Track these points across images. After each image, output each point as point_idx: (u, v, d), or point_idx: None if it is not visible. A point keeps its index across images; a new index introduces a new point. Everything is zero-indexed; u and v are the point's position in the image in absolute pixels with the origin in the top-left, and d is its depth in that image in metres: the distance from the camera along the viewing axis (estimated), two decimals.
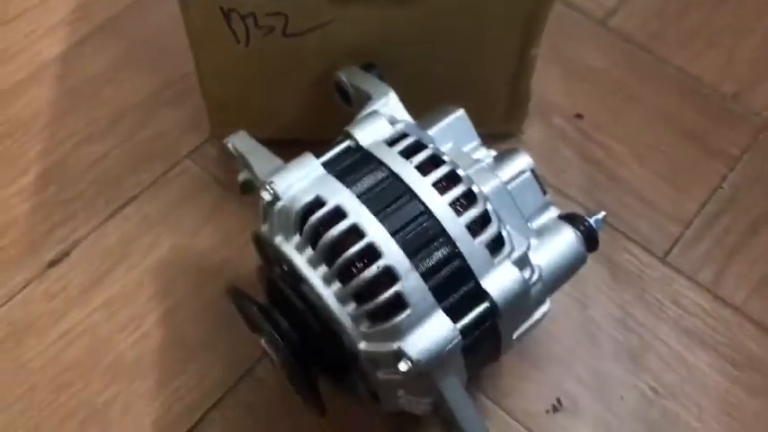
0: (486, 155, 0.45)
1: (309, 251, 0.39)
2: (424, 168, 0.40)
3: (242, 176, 0.47)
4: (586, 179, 0.60)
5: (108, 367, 0.52)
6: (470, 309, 0.39)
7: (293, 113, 0.57)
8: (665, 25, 0.68)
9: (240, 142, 0.47)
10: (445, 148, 0.44)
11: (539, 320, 0.45)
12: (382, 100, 0.46)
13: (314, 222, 0.39)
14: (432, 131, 0.44)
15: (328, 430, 0.49)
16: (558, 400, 0.51)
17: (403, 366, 0.37)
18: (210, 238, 0.58)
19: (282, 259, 0.41)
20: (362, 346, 0.39)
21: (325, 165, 0.42)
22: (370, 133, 0.42)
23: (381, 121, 0.43)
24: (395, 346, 0.37)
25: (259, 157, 0.45)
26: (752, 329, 0.54)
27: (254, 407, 0.51)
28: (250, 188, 0.47)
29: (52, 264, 0.56)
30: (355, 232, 0.38)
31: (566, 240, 0.44)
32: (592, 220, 0.45)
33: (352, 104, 0.49)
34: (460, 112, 0.46)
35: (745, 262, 0.57)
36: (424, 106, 0.47)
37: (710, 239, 0.58)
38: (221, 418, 0.50)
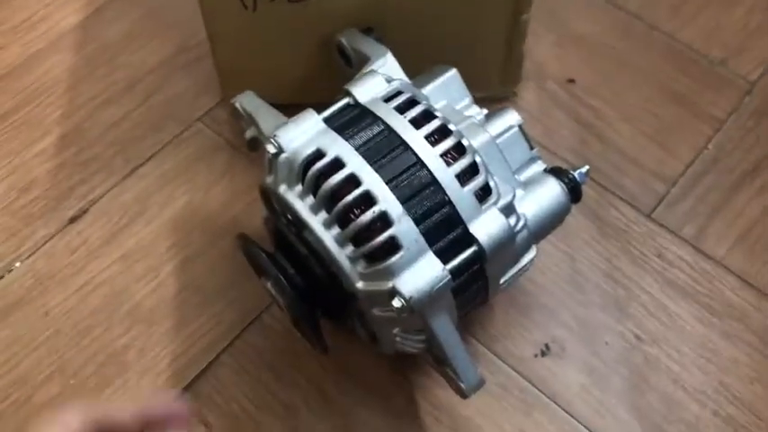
0: (478, 112, 0.48)
1: (311, 199, 0.42)
2: (418, 122, 0.43)
3: (249, 133, 0.50)
4: (577, 140, 0.63)
5: (126, 314, 0.56)
6: (459, 252, 0.42)
7: (299, 77, 0.60)
8: None
9: (247, 101, 0.50)
10: (439, 105, 0.46)
11: (525, 267, 0.48)
12: (380, 60, 0.48)
13: (314, 172, 0.42)
14: (426, 90, 0.47)
15: (329, 368, 0.53)
16: (546, 345, 0.55)
17: (397, 303, 0.40)
18: (223, 194, 0.61)
19: (286, 207, 0.44)
20: (360, 285, 0.42)
21: (325, 120, 0.44)
22: (367, 90, 0.45)
23: (378, 79, 0.46)
24: (389, 284, 0.40)
25: (265, 115, 0.48)
26: (731, 281, 0.57)
27: (262, 349, 0.55)
28: (257, 145, 0.50)
29: (73, 219, 0.60)
30: (353, 181, 0.41)
31: (551, 191, 0.47)
32: (576, 173, 0.48)
33: (353, 66, 0.52)
34: (453, 72, 0.48)
35: (726, 219, 0.60)
36: (421, 69, 0.50)
37: (694, 198, 0.61)
38: (232, 360, 0.54)
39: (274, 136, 0.44)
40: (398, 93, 0.45)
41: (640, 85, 0.66)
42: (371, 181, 0.41)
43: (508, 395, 0.53)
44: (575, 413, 0.52)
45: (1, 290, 0.57)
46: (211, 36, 0.59)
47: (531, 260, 0.48)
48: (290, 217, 0.45)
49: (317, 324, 0.47)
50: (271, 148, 0.44)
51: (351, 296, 0.43)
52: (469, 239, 0.42)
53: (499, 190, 0.43)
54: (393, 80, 0.47)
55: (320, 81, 0.55)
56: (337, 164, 0.42)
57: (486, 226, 0.42)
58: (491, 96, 0.59)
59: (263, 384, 0.53)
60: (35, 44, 0.69)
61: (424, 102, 0.45)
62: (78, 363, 0.54)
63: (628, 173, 0.62)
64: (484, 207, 0.42)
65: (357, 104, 0.45)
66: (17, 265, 0.58)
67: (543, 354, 0.54)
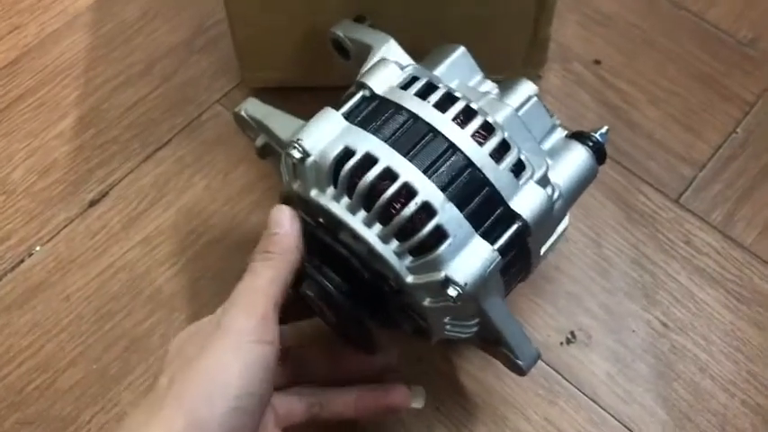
0: (492, 87, 0.47)
1: (346, 199, 0.41)
2: (442, 106, 0.42)
3: (260, 141, 0.48)
4: (603, 123, 0.61)
5: (147, 299, 0.56)
6: (504, 230, 0.41)
7: (319, 58, 0.58)
8: None
9: (253, 108, 0.48)
10: (453, 84, 0.45)
11: (560, 236, 0.47)
12: (383, 48, 0.47)
13: (347, 172, 0.40)
14: (437, 71, 0.46)
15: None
16: (572, 333, 0.54)
17: (452, 291, 0.39)
18: (243, 178, 0.60)
19: (320, 212, 0.42)
20: (410, 279, 0.40)
21: (345, 116, 0.43)
22: (383, 80, 0.44)
23: (392, 67, 0.44)
24: (441, 274, 0.39)
25: (277, 120, 0.46)
26: (760, 268, 0.56)
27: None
28: (269, 152, 0.48)
29: (93, 203, 0.60)
30: (389, 175, 0.40)
31: (578, 156, 0.46)
32: (597, 135, 0.47)
33: (351, 58, 0.50)
34: (461, 50, 0.47)
35: (755, 205, 0.59)
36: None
37: (722, 182, 0.60)
38: None
39: (298, 140, 0.42)
40: (414, 78, 0.44)
41: (667, 66, 0.65)
42: (408, 172, 0.40)
43: (533, 383, 0.52)
44: (600, 401, 0.52)
45: (22, 274, 0.57)
46: (231, 17, 0.58)
47: (566, 228, 0.47)
48: (321, 220, 0.43)
49: (366, 325, 0.45)
50: (296, 153, 0.41)
51: (397, 292, 0.42)
52: (513, 216, 0.41)
53: (532, 163, 0.42)
54: (404, 66, 0.45)
55: (340, 62, 0.54)
56: (370, 160, 0.40)
57: (526, 201, 0.41)
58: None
59: None
60: (51, 24, 0.68)
61: (442, 84, 0.44)
62: (101, 348, 0.54)
63: (655, 157, 0.61)
64: (521, 183, 0.42)
65: (374, 96, 0.43)
66: (38, 248, 0.58)
67: (569, 342, 0.54)
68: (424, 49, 0.48)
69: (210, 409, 0.37)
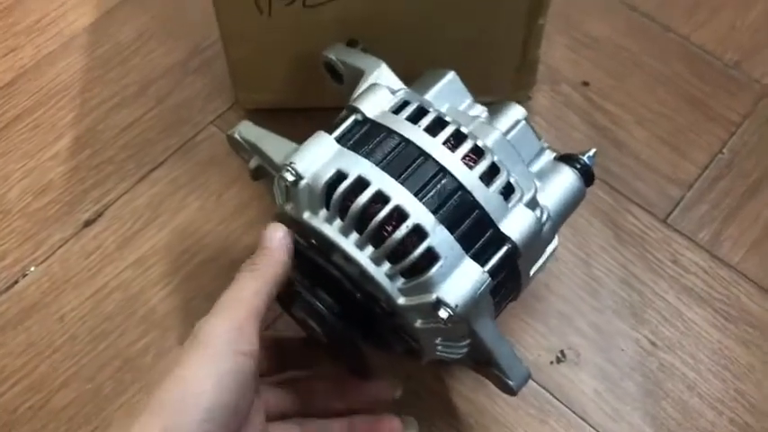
0: (482, 110, 0.48)
1: (338, 222, 0.41)
2: (432, 130, 0.43)
3: (253, 163, 0.49)
4: (592, 144, 0.62)
5: (141, 319, 0.56)
6: (494, 252, 0.42)
7: (313, 81, 0.59)
8: None
9: (247, 131, 0.48)
10: (443, 109, 0.46)
11: (549, 257, 0.48)
12: (375, 72, 0.48)
13: (340, 195, 0.41)
14: (428, 96, 0.47)
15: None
16: (562, 352, 0.55)
17: (443, 313, 0.39)
18: (237, 198, 0.61)
19: (312, 234, 0.43)
20: (401, 301, 0.41)
21: (338, 140, 0.43)
22: (374, 105, 0.44)
23: (383, 91, 0.45)
24: (433, 296, 0.40)
25: (270, 143, 0.47)
26: (746, 287, 0.57)
27: None
28: (262, 174, 0.49)
29: (88, 223, 0.60)
30: (381, 198, 0.41)
31: (566, 179, 0.47)
32: (585, 158, 0.48)
33: (343, 82, 0.51)
34: (451, 75, 0.48)
35: (741, 224, 0.60)
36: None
37: (709, 203, 0.61)
38: None
39: (291, 163, 0.42)
40: (406, 103, 0.45)
41: (654, 87, 0.66)
42: (399, 195, 0.40)
43: (524, 402, 0.53)
44: (590, 420, 0.52)
45: (17, 294, 0.57)
46: (226, 40, 0.59)
47: (555, 248, 0.48)
48: (314, 242, 0.44)
49: (358, 347, 0.46)
50: (289, 176, 0.42)
51: (388, 313, 0.43)
52: (502, 238, 0.42)
53: (521, 186, 0.43)
54: (395, 90, 0.46)
55: (332, 85, 0.55)
56: (362, 183, 0.41)
57: (516, 223, 0.42)
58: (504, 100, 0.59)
59: None
60: (47, 46, 0.69)
61: (433, 108, 0.45)
62: (94, 368, 0.54)
63: (643, 177, 0.62)
64: (510, 205, 0.42)
65: (366, 120, 0.44)
66: (32, 269, 0.58)
67: (559, 360, 0.54)
68: (415, 72, 0.49)
69: (184, 418, 0.37)
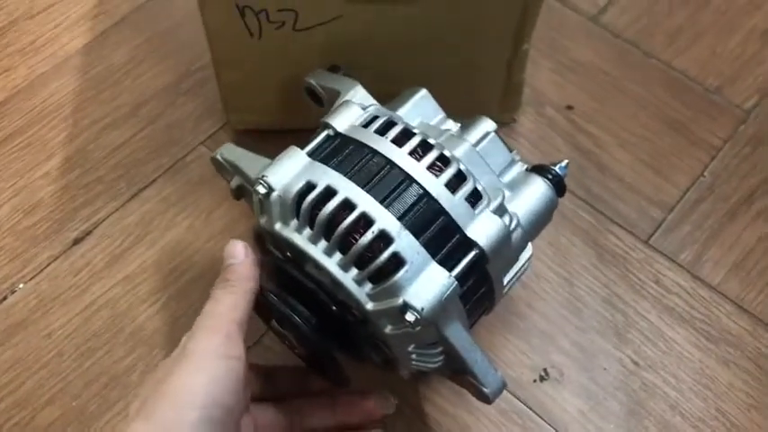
0: (453, 125, 0.49)
1: (308, 231, 0.43)
2: (399, 141, 0.44)
3: (234, 183, 0.50)
4: (575, 166, 0.64)
5: (129, 336, 0.57)
6: (461, 258, 0.42)
7: (303, 103, 0.60)
8: (653, 22, 0.72)
9: (228, 152, 0.50)
10: (415, 123, 0.47)
11: (525, 266, 0.49)
12: (350, 92, 0.49)
13: (308, 204, 0.42)
14: (400, 111, 0.48)
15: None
16: (545, 371, 0.55)
17: (410, 317, 0.40)
18: (226, 217, 0.62)
19: (285, 244, 0.44)
20: (370, 306, 0.42)
21: (309, 154, 0.45)
22: (345, 119, 0.46)
23: (354, 107, 0.47)
24: (399, 300, 0.41)
25: (248, 161, 0.49)
26: (727, 307, 0.58)
27: None
28: (242, 193, 0.50)
29: (77, 241, 0.61)
30: (347, 206, 0.42)
31: (537, 189, 0.47)
32: (557, 168, 0.48)
33: (324, 105, 0.53)
34: (423, 92, 0.49)
35: (722, 246, 0.61)
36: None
37: (691, 224, 0.62)
38: None
39: (263, 176, 0.44)
40: (375, 117, 0.46)
41: (637, 112, 0.67)
42: (366, 202, 0.42)
43: (507, 420, 0.53)
44: None
45: (4, 311, 0.58)
46: (217, 63, 0.60)
47: (529, 258, 0.49)
48: (289, 254, 0.45)
49: (336, 360, 0.46)
50: (261, 189, 0.44)
51: (362, 321, 0.43)
52: (469, 244, 0.43)
53: (488, 193, 0.44)
54: (367, 107, 0.48)
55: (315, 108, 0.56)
56: (330, 192, 0.42)
57: (482, 228, 0.43)
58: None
59: None
60: (40, 67, 0.70)
61: (401, 122, 0.46)
62: (81, 384, 0.55)
63: (625, 199, 0.63)
64: (477, 211, 0.43)
65: (337, 134, 0.46)
66: (21, 286, 0.59)
67: (542, 379, 0.55)
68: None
69: (180, 418, 0.38)
